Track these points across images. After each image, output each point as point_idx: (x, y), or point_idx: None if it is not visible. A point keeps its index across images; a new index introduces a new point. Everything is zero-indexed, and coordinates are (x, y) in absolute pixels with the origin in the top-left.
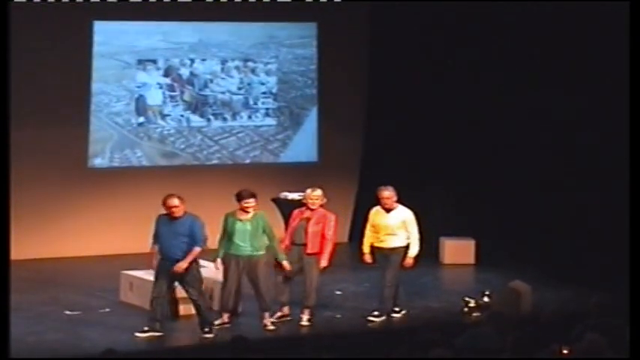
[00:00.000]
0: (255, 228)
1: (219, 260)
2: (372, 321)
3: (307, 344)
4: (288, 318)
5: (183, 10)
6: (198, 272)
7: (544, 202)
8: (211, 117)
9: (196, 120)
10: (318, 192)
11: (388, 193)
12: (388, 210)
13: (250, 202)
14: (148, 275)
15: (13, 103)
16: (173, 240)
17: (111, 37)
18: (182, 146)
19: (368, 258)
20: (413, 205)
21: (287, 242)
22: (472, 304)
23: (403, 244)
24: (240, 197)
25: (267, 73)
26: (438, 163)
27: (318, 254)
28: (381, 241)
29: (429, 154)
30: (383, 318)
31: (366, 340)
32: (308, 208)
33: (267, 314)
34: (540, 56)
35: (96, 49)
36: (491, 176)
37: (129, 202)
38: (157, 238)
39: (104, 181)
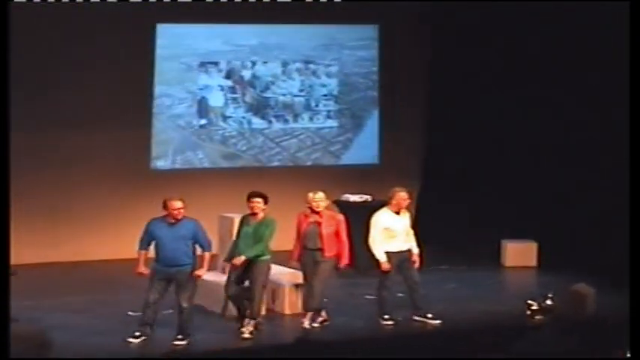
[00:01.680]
0: (257, 232)
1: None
2: (429, 323)
3: (363, 348)
4: (327, 322)
5: (244, 13)
6: (194, 281)
7: (606, 203)
8: (273, 119)
9: (258, 122)
10: (321, 194)
11: (407, 195)
12: (397, 213)
13: (255, 202)
14: (213, 277)
15: (76, 107)
16: (176, 244)
17: (173, 40)
18: (244, 148)
19: (388, 265)
20: (475, 206)
21: (298, 248)
22: (535, 307)
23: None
24: (247, 197)
25: (329, 75)
26: (499, 165)
27: (334, 256)
28: (400, 244)
29: (490, 156)
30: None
31: (424, 344)
32: (313, 212)
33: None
34: (596, 58)
35: (158, 51)
36: (553, 178)
37: (191, 203)
38: (145, 243)
39: (166, 183)
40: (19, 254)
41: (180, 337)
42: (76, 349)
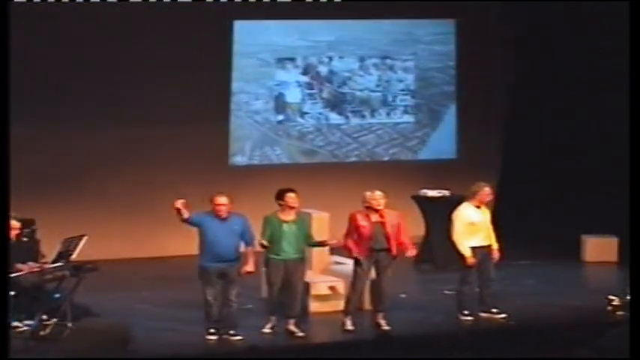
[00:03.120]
0: (301, 230)
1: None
2: (501, 318)
3: (443, 344)
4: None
5: (320, 9)
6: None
7: None
8: (350, 114)
9: (335, 117)
10: (379, 192)
11: (490, 191)
12: (479, 207)
13: (291, 197)
14: None
15: (157, 104)
16: (230, 240)
17: (250, 37)
18: (321, 143)
19: (473, 260)
20: (554, 201)
21: (363, 248)
22: (616, 302)
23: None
24: (281, 193)
25: (405, 70)
26: (579, 159)
27: (397, 256)
28: (481, 239)
29: (569, 150)
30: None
31: (503, 339)
32: (373, 210)
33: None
34: None
35: (236, 48)
36: (634, 172)
37: (269, 199)
38: (190, 221)
39: (245, 179)
40: (102, 249)
41: (232, 332)
42: (155, 344)
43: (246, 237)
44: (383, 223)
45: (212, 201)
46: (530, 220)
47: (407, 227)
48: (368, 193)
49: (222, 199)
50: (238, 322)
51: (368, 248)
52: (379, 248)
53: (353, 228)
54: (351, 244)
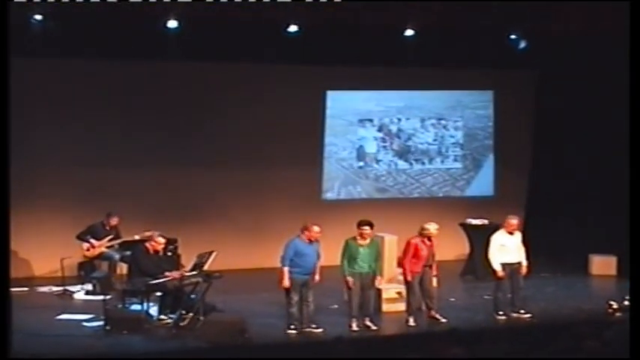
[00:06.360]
0: (373, 251)
1: (350, 279)
2: (528, 317)
3: (483, 336)
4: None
5: (392, 82)
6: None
7: None
8: (413, 162)
9: (402, 164)
10: (436, 225)
11: (515, 221)
12: (511, 234)
13: (366, 229)
14: None
15: (270, 152)
16: (315, 258)
17: (338, 103)
18: (391, 183)
19: (502, 274)
20: (568, 228)
21: (417, 266)
22: (615, 306)
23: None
24: (359, 224)
25: (456, 128)
26: (586, 198)
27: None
28: (511, 257)
29: (579, 191)
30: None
31: (529, 333)
32: (428, 239)
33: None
34: None
35: (328, 111)
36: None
37: (352, 226)
38: (289, 259)
39: (333, 210)
40: (226, 262)
41: (314, 325)
42: (264, 334)
43: (319, 256)
44: (431, 247)
45: (308, 229)
46: (551, 243)
47: (455, 248)
48: (427, 226)
49: (317, 228)
50: (319, 319)
51: (422, 265)
52: (426, 264)
53: (412, 251)
54: (406, 265)
